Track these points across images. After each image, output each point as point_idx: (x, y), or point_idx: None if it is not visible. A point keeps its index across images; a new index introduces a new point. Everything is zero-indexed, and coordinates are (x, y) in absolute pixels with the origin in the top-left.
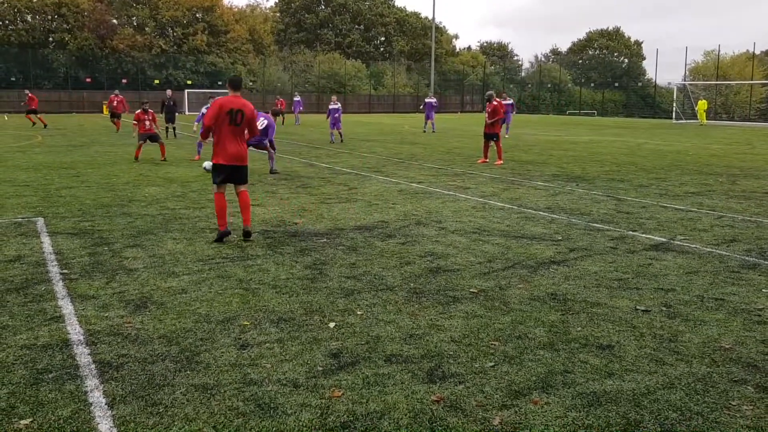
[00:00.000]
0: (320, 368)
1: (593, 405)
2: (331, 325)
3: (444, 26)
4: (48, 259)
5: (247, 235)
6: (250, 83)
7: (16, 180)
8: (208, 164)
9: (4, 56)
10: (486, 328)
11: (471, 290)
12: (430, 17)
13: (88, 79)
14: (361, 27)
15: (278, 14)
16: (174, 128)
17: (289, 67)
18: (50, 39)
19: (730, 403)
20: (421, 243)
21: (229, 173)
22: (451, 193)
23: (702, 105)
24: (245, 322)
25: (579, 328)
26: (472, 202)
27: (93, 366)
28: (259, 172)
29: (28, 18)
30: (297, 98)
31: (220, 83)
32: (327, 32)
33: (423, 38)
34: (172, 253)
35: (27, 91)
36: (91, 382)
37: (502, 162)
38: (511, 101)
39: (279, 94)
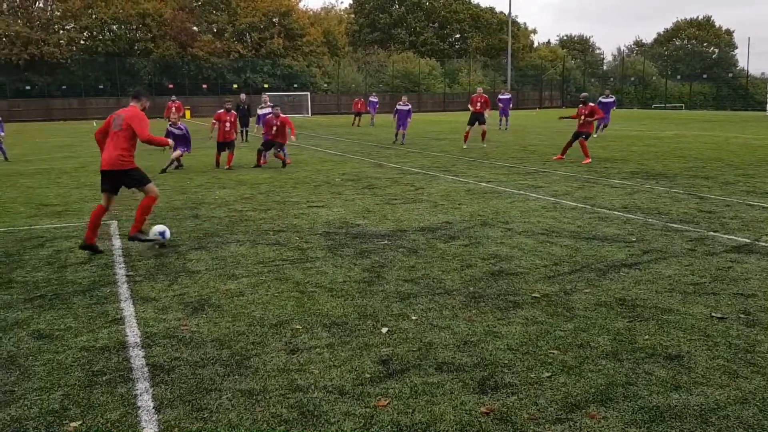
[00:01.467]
0: (368, 375)
1: (655, 420)
2: (384, 330)
3: (521, 21)
4: (116, 261)
5: None
6: (325, 85)
7: (96, 184)
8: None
9: (92, 65)
10: (546, 335)
11: (533, 295)
12: (506, 12)
13: (171, 85)
14: (435, 25)
15: (352, 15)
16: (246, 131)
17: (363, 67)
18: (135, 48)
19: None
20: (484, 245)
21: None
22: (521, 192)
23: None
24: (297, 326)
25: (646, 337)
26: (543, 201)
27: (146, 369)
28: (328, 174)
29: (114, 28)
30: (373, 99)
31: (296, 86)
32: (401, 31)
33: (499, 34)
34: (234, 255)
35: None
36: (142, 386)
37: (590, 160)
38: (612, 99)
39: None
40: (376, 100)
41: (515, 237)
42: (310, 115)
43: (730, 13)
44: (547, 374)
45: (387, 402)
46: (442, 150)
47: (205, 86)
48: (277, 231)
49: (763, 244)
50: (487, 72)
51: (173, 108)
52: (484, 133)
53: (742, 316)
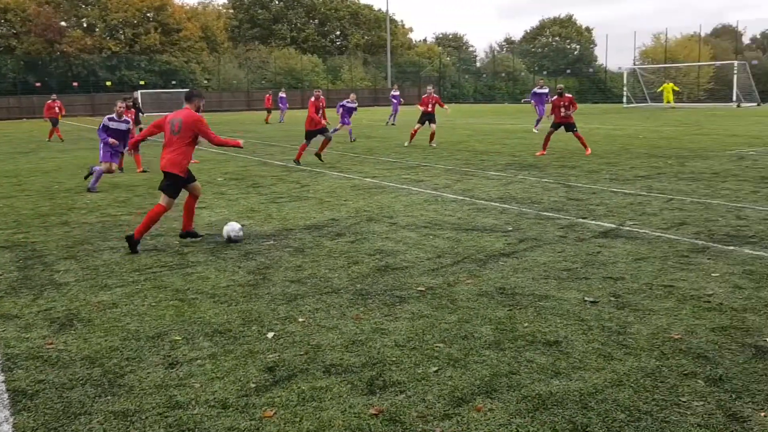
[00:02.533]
0: (253, 385)
1: (539, 409)
2: (270, 335)
3: (398, 19)
4: None
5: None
6: (205, 81)
7: None
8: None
9: None
10: (431, 329)
11: (419, 289)
12: (384, 10)
13: (38, 84)
14: (316, 21)
15: (231, 10)
16: (141, 129)
17: (245, 63)
18: None
19: (680, 400)
20: (370, 240)
21: None
22: (404, 186)
23: (669, 87)
24: (177, 337)
25: (526, 324)
26: (425, 195)
27: (5, 396)
28: (209, 173)
29: None
30: (282, 95)
31: (174, 82)
32: (281, 27)
33: (378, 31)
34: (107, 264)
35: None
36: (1, 415)
37: (590, 151)
38: (547, 89)
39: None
40: (284, 96)
41: (400, 231)
42: None
43: (590, 12)
44: (434, 369)
45: (273, 412)
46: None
47: (75, 84)
48: (154, 235)
49: (627, 228)
50: (368, 68)
51: (56, 108)
52: (433, 134)
53: (613, 299)
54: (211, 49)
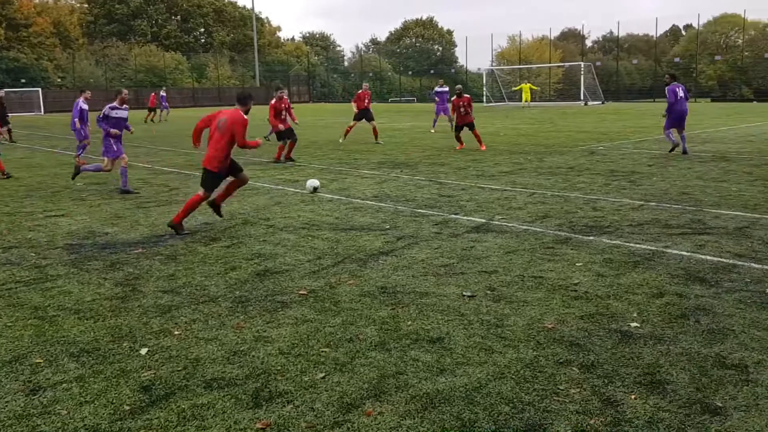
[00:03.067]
0: (128, 407)
1: (427, 408)
2: (143, 351)
3: (265, 17)
4: None
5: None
6: (59, 80)
7: None
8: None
9: None
10: (316, 333)
11: (300, 292)
12: (249, 7)
13: None
14: (178, 18)
15: (86, 5)
16: (9, 130)
17: (102, 61)
18: None
19: (558, 389)
20: (248, 244)
21: None
22: (279, 187)
23: (526, 87)
24: (38, 360)
25: (409, 323)
26: (301, 195)
27: None
28: (67, 178)
29: None
30: (163, 94)
31: (24, 81)
32: (141, 23)
33: (244, 29)
34: None
35: None
36: None
37: (484, 147)
38: (446, 88)
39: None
40: (164, 95)
41: (278, 233)
42: (43, 113)
43: (450, 14)
44: (321, 375)
45: None
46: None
47: None
48: (7, 248)
49: (497, 222)
50: (235, 67)
51: None
52: (375, 130)
53: (489, 292)
54: (65, 46)
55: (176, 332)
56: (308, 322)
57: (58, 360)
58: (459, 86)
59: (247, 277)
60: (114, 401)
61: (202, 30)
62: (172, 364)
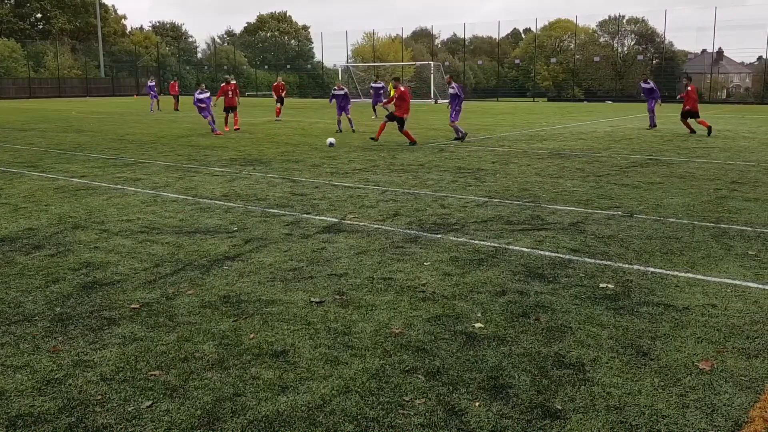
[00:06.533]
0: None
1: None
2: None
3: (111, 5)
4: None
5: None
6: None
7: None
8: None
9: None
10: (146, 353)
11: (132, 306)
12: None
13: None
14: (12, 1)
15: None
16: None
17: None
18: None
19: (403, 400)
20: (76, 252)
21: None
22: (119, 186)
23: (391, 86)
24: None
25: (252, 336)
26: (142, 195)
27: None
28: None
29: None
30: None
31: None
32: None
33: (86, 16)
34: None
35: None
36: None
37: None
38: (382, 84)
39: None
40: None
41: (112, 239)
42: None
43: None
44: (148, 403)
45: None
46: (28, 142)
47: None
48: None
49: (348, 222)
50: (77, 56)
51: None
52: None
53: (337, 297)
54: None
55: None
56: (138, 341)
57: None
58: (396, 76)
59: (72, 290)
60: None
61: (39, 15)
62: None
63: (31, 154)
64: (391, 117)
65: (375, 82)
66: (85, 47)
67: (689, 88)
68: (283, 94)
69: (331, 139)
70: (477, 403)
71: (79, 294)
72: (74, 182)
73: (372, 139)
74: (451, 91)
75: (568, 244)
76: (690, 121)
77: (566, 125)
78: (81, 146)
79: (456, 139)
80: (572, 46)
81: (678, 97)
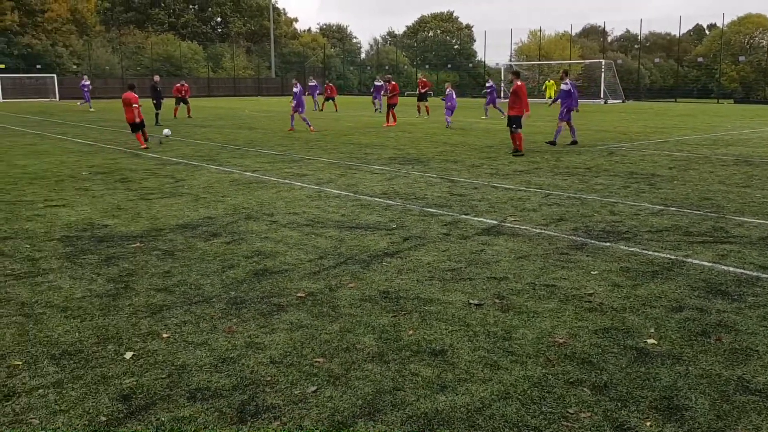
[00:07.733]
0: (104, 418)
1: (424, 430)
2: (128, 355)
3: (283, 8)
4: None
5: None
6: (74, 66)
7: None
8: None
9: None
10: (311, 341)
11: (298, 295)
12: None
13: None
14: (195, 6)
15: None
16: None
17: (119, 49)
18: None
19: (567, 412)
20: (248, 241)
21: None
22: (286, 181)
23: (551, 84)
24: (17, 362)
25: (411, 332)
26: (308, 190)
27: None
28: (73, 166)
29: None
30: (85, 82)
31: (39, 67)
32: (159, 12)
33: (260, 19)
34: None
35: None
36: None
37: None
38: (382, 83)
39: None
40: (88, 83)
41: (280, 230)
42: (58, 99)
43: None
44: (313, 388)
45: None
46: (206, 138)
47: None
48: (1, 239)
49: (509, 225)
50: (251, 57)
51: None
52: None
53: (497, 300)
54: (81, 33)
55: (165, 335)
56: (304, 328)
57: (38, 362)
58: (388, 76)
59: (245, 276)
60: (90, 411)
61: (219, 19)
62: (156, 370)
63: (209, 148)
64: (508, 120)
65: (377, 80)
66: (258, 49)
67: None
68: (422, 91)
69: (166, 131)
70: (648, 423)
71: (251, 280)
72: (247, 176)
73: (516, 153)
74: (564, 87)
75: (756, 260)
76: None
77: (755, 130)
78: (253, 142)
79: (550, 142)
80: (764, 43)
81: None
